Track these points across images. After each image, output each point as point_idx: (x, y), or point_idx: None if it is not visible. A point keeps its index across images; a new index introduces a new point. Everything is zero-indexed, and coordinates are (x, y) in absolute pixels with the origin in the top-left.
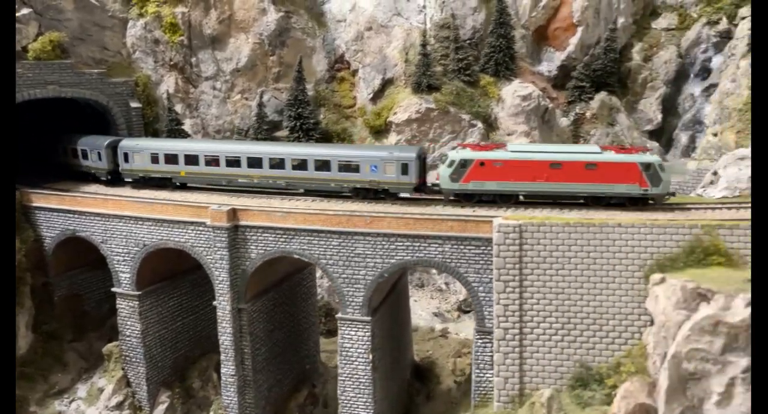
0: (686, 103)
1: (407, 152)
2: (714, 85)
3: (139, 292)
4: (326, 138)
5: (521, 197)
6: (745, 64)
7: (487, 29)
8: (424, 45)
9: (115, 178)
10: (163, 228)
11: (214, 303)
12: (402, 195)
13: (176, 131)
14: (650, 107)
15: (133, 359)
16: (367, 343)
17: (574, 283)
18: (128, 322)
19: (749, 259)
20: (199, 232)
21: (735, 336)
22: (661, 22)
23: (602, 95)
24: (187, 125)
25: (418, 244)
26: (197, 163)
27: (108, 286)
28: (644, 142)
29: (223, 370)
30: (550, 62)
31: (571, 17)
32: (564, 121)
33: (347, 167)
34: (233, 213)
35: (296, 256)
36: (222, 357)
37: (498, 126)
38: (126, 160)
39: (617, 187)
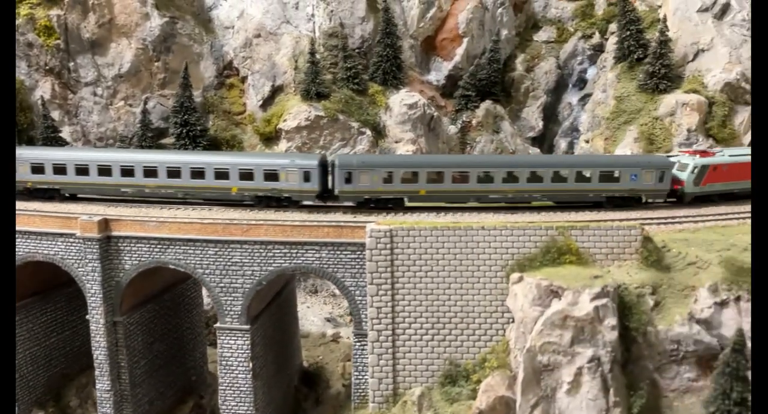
0: (565, 112)
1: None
2: (589, 95)
3: None
4: (215, 145)
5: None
6: (613, 75)
7: (376, 38)
8: (312, 53)
9: None
10: (30, 240)
11: (87, 316)
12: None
13: (53, 139)
14: (532, 115)
15: None
16: (247, 351)
17: (442, 284)
18: None
19: (598, 256)
20: (68, 243)
21: (581, 329)
22: (542, 35)
23: (487, 104)
24: (66, 132)
25: (295, 250)
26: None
27: None
28: (527, 148)
29: (98, 386)
30: (439, 72)
31: (457, 28)
32: (452, 129)
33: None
34: (105, 223)
35: (172, 267)
36: (96, 372)
37: (386, 134)
38: None
39: None
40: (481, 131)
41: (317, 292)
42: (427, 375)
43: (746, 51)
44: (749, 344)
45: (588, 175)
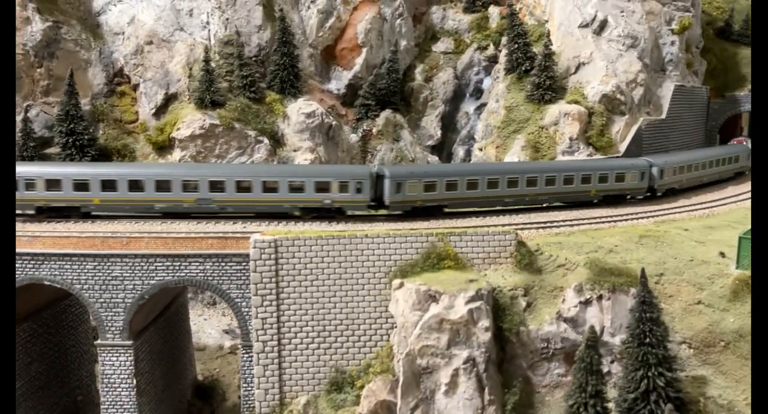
0: (462, 121)
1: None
2: (484, 105)
3: None
4: (105, 155)
5: None
6: (503, 86)
7: (273, 47)
8: (207, 61)
9: None
10: None
11: None
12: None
13: None
14: (431, 124)
15: None
16: (130, 368)
17: (327, 293)
18: None
19: (475, 261)
20: None
21: (457, 331)
22: (440, 46)
23: (387, 113)
24: None
25: (178, 263)
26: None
27: None
28: (426, 156)
29: None
30: (339, 81)
31: (356, 38)
32: (353, 138)
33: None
34: None
35: (47, 283)
36: None
37: (285, 142)
38: None
39: None
40: (381, 140)
41: (215, 304)
42: (314, 383)
43: (622, 64)
44: (609, 340)
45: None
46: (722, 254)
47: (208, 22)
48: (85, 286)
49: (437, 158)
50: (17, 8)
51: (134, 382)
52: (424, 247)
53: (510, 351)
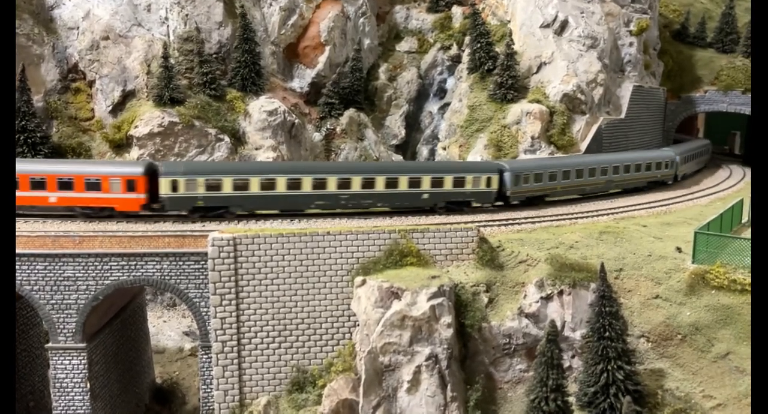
0: (426, 120)
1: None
2: (448, 104)
3: None
4: (59, 153)
5: None
6: (466, 85)
7: (234, 44)
8: (166, 57)
9: None
10: None
11: None
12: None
13: None
14: (395, 123)
15: None
16: (84, 371)
17: (288, 291)
18: None
19: (438, 258)
20: None
21: (419, 328)
22: (404, 46)
23: (351, 112)
24: None
25: (134, 262)
26: None
27: None
28: (390, 155)
29: None
30: (302, 79)
31: (319, 36)
32: (317, 136)
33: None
34: None
35: None
36: None
37: (246, 140)
38: None
39: None
40: (345, 139)
41: (175, 305)
42: (275, 383)
43: (582, 64)
44: (569, 334)
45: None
46: (679, 249)
47: (166, 18)
48: (36, 287)
49: (401, 157)
50: None
51: (88, 385)
52: (387, 244)
53: (472, 347)
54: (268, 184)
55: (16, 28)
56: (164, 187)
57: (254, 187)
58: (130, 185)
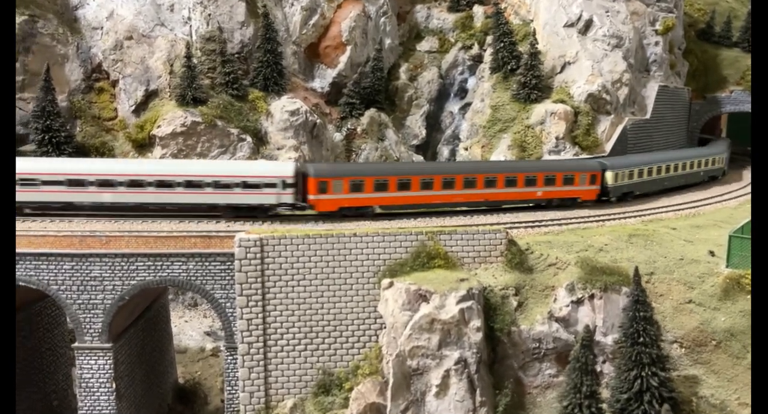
0: (447, 120)
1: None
2: (469, 104)
3: None
4: (83, 152)
5: None
6: (489, 85)
7: (256, 44)
8: (189, 57)
9: None
10: None
11: None
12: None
13: None
14: (416, 123)
15: None
16: (110, 371)
17: (315, 293)
18: None
19: (465, 260)
20: None
21: (448, 331)
22: (425, 45)
23: (372, 112)
24: None
25: (160, 263)
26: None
27: None
28: (411, 156)
29: None
30: (323, 79)
31: (340, 36)
32: (337, 136)
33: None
34: None
35: (22, 284)
36: None
37: (268, 140)
38: None
39: None
40: (366, 139)
41: (197, 305)
42: (300, 386)
43: (607, 64)
44: (600, 339)
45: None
46: (712, 253)
47: (189, 18)
48: (63, 287)
49: (422, 158)
50: None
51: (113, 385)
52: (414, 246)
53: (501, 351)
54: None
55: (39, 28)
56: (609, 180)
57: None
58: (593, 179)
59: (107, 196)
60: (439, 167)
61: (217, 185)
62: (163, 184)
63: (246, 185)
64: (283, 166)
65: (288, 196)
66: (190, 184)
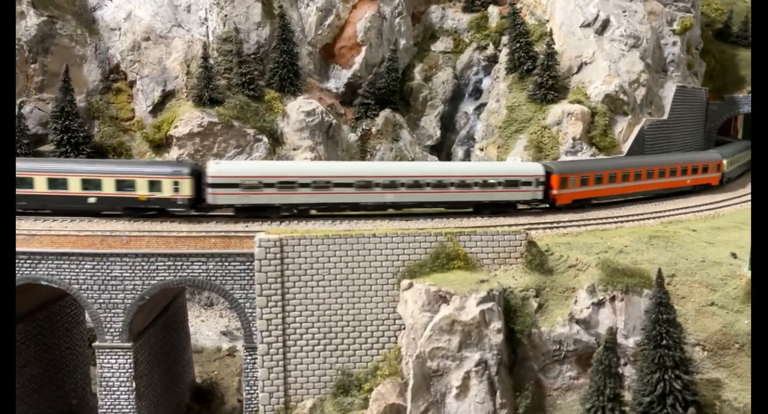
0: (462, 121)
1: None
2: (484, 105)
3: None
4: (101, 153)
5: None
6: (505, 86)
7: (272, 44)
8: (206, 58)
9: None
10: None
11: None
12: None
13: None
14: (430, 124)
15: None
16: (130, 370)
17: (334, 293)
18: None
19: (485, 261)
20: None
21: (468, 333)
22: (439, 46)
23: (386, 112)
24: None
25: (180, 263)
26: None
27: None
28: (425, 156)
29: None
30: (338, 79)
31: (355, 37)
32: (352, 137)
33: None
34: None
35: (44, 283)
36: None
37: (284, 141)
38: None
39: None
40: (380, 139)
41: (213, 305)
42: (320, 386)
43: (624, 64)
44: (623, 342)
45: None
46: (734, 255)
47: (206, 19)
48: (84, 287)
49: (437, 158)
50: None
51: (134, 384)
52: (433, 246)
53: (521, 353)
54: None
55: (58, 29)
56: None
57: None
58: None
59: (389, 196)
60: (631, 162)
61: (484, 184)
62: (439, 185)
63: (507, 183)
64: (535, 166)
65: (539, 193)
66: (461, 184)
